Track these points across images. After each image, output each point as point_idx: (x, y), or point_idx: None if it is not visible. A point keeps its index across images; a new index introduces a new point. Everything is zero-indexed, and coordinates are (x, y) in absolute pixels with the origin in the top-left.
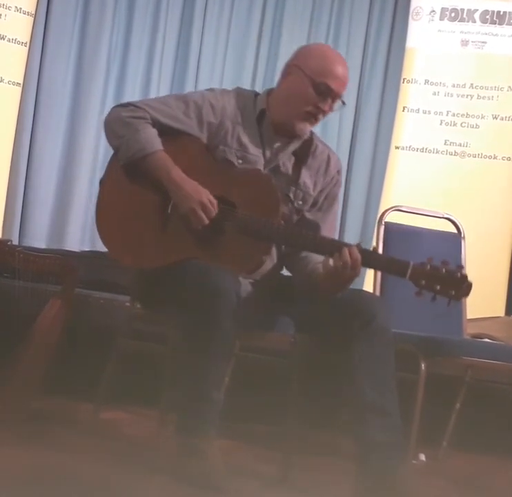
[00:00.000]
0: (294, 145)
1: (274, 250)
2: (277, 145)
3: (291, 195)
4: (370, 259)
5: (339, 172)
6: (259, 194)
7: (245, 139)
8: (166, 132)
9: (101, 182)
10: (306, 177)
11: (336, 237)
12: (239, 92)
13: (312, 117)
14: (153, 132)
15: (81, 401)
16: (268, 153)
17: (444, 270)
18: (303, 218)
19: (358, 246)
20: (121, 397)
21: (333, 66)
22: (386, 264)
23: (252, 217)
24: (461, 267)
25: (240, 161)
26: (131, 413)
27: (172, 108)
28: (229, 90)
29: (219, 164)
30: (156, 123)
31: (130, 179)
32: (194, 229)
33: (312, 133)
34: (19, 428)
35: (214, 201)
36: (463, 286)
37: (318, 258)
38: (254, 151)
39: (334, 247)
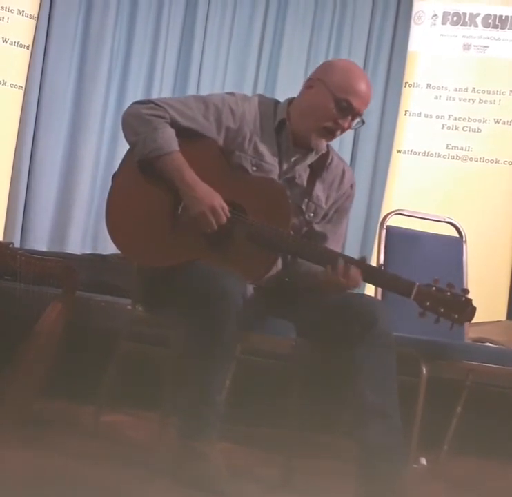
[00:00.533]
0: (311, 158)
1: (280, 259)
2: (295, 156)
3: (303, 207)
4: (374, 276)
5: (352, 186)
6: (271, 203)
7: (262, 148)
8: (184, 133)
9: (114, 177)
10: (319, 190)
11: (342, 249)
12: (260, 100)
13: (330, 133)
14: (171, 132)
15: (82, 404)
16: (284, 164)
17: (448, 293)
18: (311, 230)
19: (363, 262)
20: (122, 400)
21: (356, 83)
22: (391, 283)
23: (263, 225)
24: (466, 291)
25: (255, 169)
26: (132, 416)
27: (192, 109)
28: (250, 96)
29: (233, 169)
30: (174, 123)
31: (143, 177)
32: (203, 232)
33: (328, 146)
34: (20, 430)
35: (226, 207)
36: (467, 310)
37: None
38: (270, 160)
39: (338, 261)
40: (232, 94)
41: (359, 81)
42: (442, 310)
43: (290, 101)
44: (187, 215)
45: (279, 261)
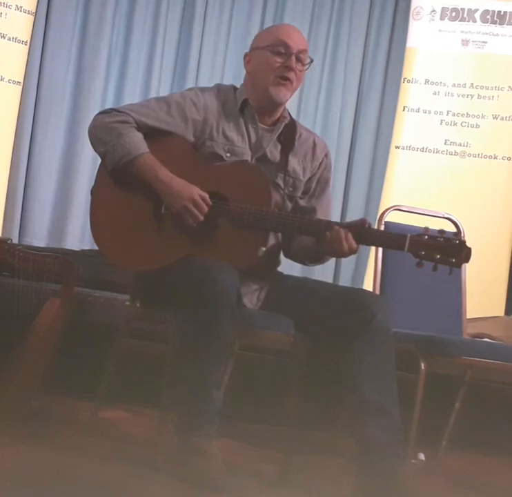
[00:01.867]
0: (277, 131)
1: (273, 245)
2: (261, 133)
3: (280, 182)
4: (367, 236)
5: (327, 155)
6: (249, 185)
7: (230, 132)
8: (152, 135)
9: (92, 192)
10: (294, 164)
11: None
12: (219, 88)
13: (285, 80)
14: (138, 135)
15: (81, 400)
16: (253, 143)
17: (441, 238)
18: (297, 206)
19: (359, 224)
20: (121, 396)
21: (283, 29)
22: (383, 240)
23: (245, 208)
24: (458, 234)
25: (228, 155)
26: (131, 412)
27: (155, 109)
28: (209, 87)
29: (206, 161)
30: (141, 126)
31: (121, 185)
32: (189, 227)
33: (293, 120)
34: (19, 427)
35: (206, 196)
36: (462, 253)
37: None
38: (240, 143)
39: (328, 227)
40: (190, 89)
41: (285, 27)
42: (438, 256)
43: (245, 82)
44: (170, 213)
45: (275, 254)
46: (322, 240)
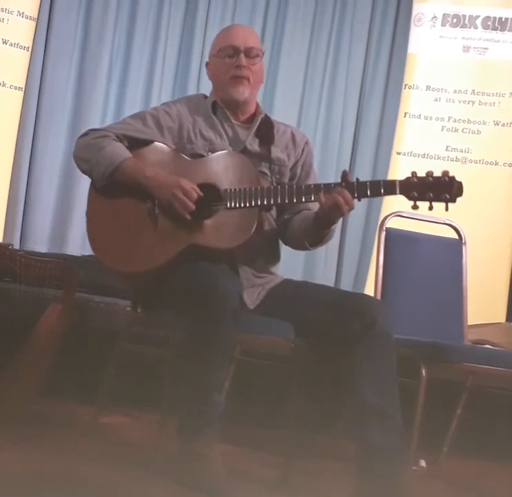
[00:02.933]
0: (254, 126)
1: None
2: (237, 130)
3: (266, 170)
4: (358, 189)
5: (307, 143)
6: (235, 171)
7: (207, 133)
8: (133, 146)
9: (87, 214)
10: (277, 152)
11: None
12: (188, 97)
13: (240, 78)
14: (118, 144)
15: (82, 405)
16: (232, 139)
17: (430, 178)
18: None
19: (344, 179)
20: (121, 401)
21: (228, 31)
22: (374, 188)
23: (236, 190)
24: (446, 172)
25: (210, 153)
26: (131, 416)
27: (132, 124)
28: (178, 98)
29: (190, 159)
30: (121, 139)
31: (112, 198)
32: (184, 219)
33: (269, 117)
34: (20, 431)
35: (193, 185)
36: (454, 187)
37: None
38: (218, 141)
39: (321, 189)
40: (163, 103)
41: (231, 27)
42: (431, 194)
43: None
44: (163, 208)
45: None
46: (318, 202)
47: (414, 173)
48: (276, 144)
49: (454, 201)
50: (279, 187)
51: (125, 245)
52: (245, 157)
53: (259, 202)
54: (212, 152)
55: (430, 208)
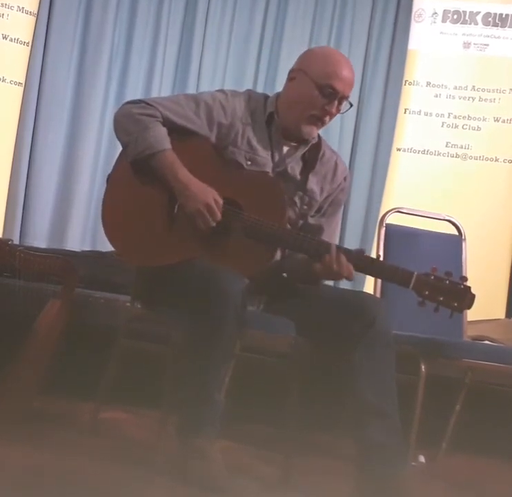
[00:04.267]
0: (302, 150)
1: (278, 253)
2: (285, 149)
3: (297, 200)
4: (372, 267)
5: (346, 178)
6: (266, 197)
7: (254, 142)
8: (176, 131)
9: (109, 178)
10: (313, 183)
11: (337, 241)
12: (250, 95)
13: (319, 120)
14: (163, 130)
15: (81, 401)
16: (276, 156)
17: (447, 281)
18: (306, 223)
19: (360, 253)
20: (121, 397)
21: (337, 68)
22: (389, 273)
23: (259, 221)
24: (464, 279)
25: (249, 163)
26: (131, 413)
27: (183, 106)
28: (240, 91)
29: (227, 165)
30: (166, 122)
31: (138, 177)
32: (200, 230)
33: (320, 139)
34: (19, 428)
35: (221, 202)
36: (466, 298)
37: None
38: (263, 153)
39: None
40: (222, 91)
41: (340, 65)
42: (441, 298)
43: (279, 95)
44: (183, 213)
45: (278, 255)
46: (323, 262)
47: (434, 270)
48: (315, 172)
49: (460, 312)
50: (301, 237)
51: (135, 232)
52: (281, 183)
53: (277, 243)
54: (252, 162)
55: (436, 310)
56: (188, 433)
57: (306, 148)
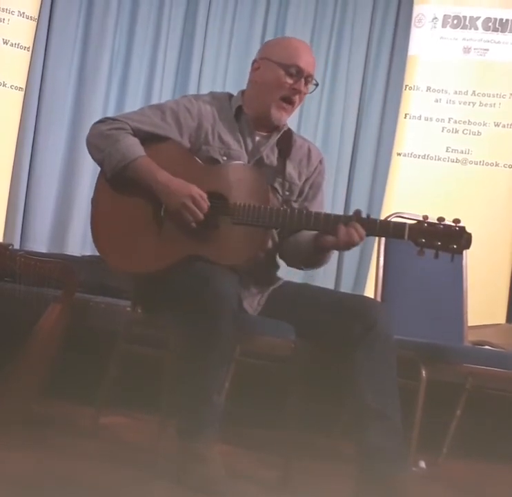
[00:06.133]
0: (274, 137)
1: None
2: (257, 139)
3: (278, 186)
4: (368, 227)
5: (321, 162)
6: (247, 185)
7: (226, 137)
8: (148, 139)
9: (92, 201)
10: (290, 169)
11: None
12: (213, 95)
13: (289, 102)
14: (134, 140)
15: (82, 405)
16: (250, 147)
17: (441, 225)
18: (291, 208)
19: (357, 215)
20: (121, 401)
21: (299, 49)
22: (383, 229)
23: (246, 205)
24: (457, 220)
25: (224, 158)
26: (131, 417)
27: (150, 116)
28: (203, 94)
29: (203, 163)
30: (137, 132)
31: (120, 191)
32: (189, 228)
33: (290, 129)
34: (20, 432)
35: (204, 194)
36: (462, 239)
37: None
38: (236, 147)
39: (331, 221)
40: (185, 96)
41: (300, 46)
42: (439, 243)
43: (243, 92)
44: (169, 214)
45: (272, 257)
46: (334, 233)
47: (425, 217)
48: (291, 159)
49: (461, 252)
50: (291, 211)
51: (126, 243)
52: (260, 170)
53: (267, 223)
54: (227, 157)
55: (436, 256)
56: (188, 436)
57: (278, 135)
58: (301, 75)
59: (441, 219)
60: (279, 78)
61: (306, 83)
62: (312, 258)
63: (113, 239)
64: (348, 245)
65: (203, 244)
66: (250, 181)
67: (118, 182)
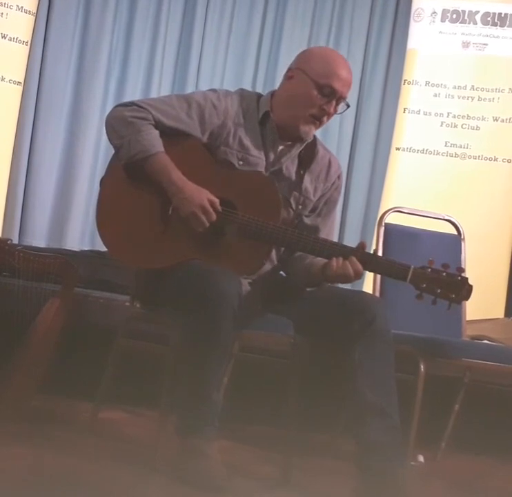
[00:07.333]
0: (297, 149)
1: (274, 252)
2: (280, 148)
3: (292, 200)
4: (370, 263)
5: (339, 177)
6: (260, 196)
7: (246, 141)
8: (168, 133)
9: (102, 181)
10: (307, 183)
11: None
12: (242, 94)
13: (317, 120)
14: (155, 133)
15: (81, 400)
16: (271, 156)
17: (444, 273)
18: (301, 223)
19: (360, 249)
20: (120, 397)
21: (337, 68)
22: (386, 268)
23: (254, 220)
24: (461, 270)
25: (241, 163)
26: (130, 413)
27: (175, 108)
28: (232, 91)
29: (219, 166)
30: (158, 124)
31: (131, 179)
32: (195, 231)
33: (315, 137)
34: (18, 427)
35: (216, 202)
36: (463, 290)
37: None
38: (255, 153)
39: (335, 251)
40: (214, 90)
41: (339, 65)
42: (439, 290)
43: (273, 94)
44: (178, 215)
45: (274, 256)
46: (326, 263)
47: (431, 263)
48: (310, 171)
49: (458, 303)
50: (298, 235)
51: (129, 233)
52: (275, 183)
53: (271, 241)
54: (244, 161)
55: (434, 302)
56: (187, 432)
57: (302, 147)
58: (333, 97)
59: (446, 265)
60: (311, 96)
61: (338, 104)
62: (314, 282)
63: (116, 227)
64: (341, 278)
65: (208, 250)
66: (263, 193)
67: (131, 171)
